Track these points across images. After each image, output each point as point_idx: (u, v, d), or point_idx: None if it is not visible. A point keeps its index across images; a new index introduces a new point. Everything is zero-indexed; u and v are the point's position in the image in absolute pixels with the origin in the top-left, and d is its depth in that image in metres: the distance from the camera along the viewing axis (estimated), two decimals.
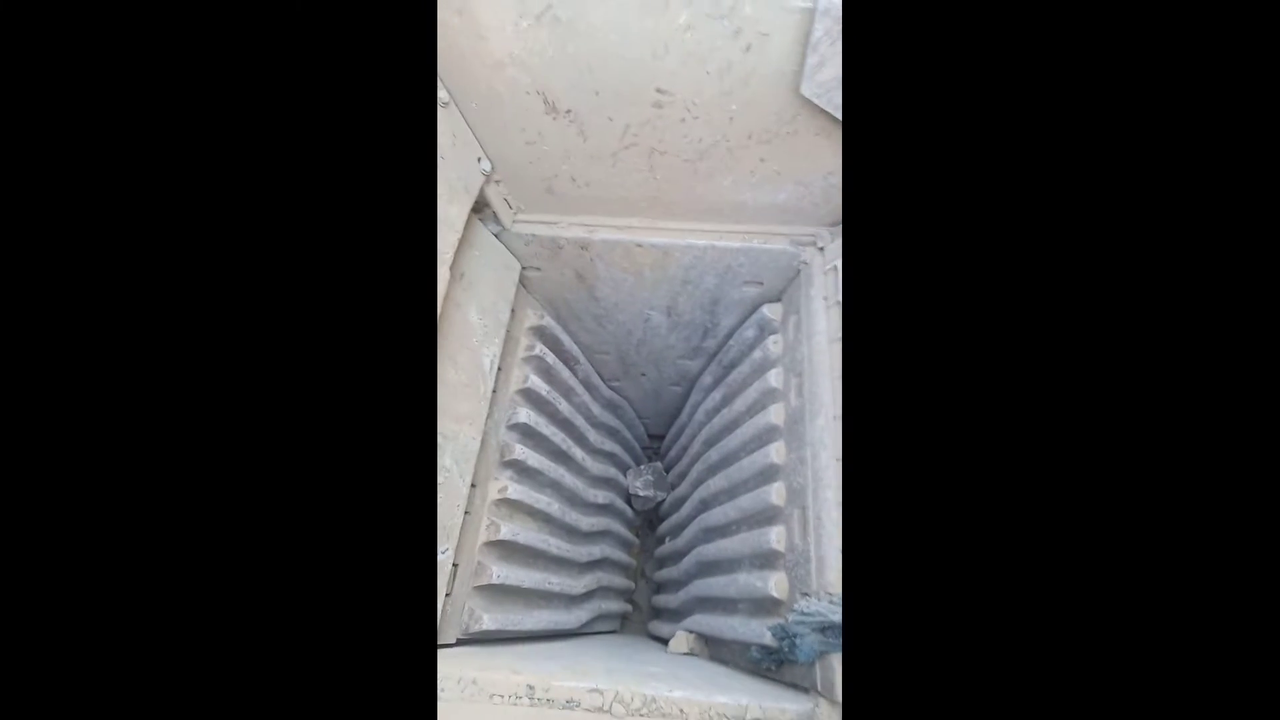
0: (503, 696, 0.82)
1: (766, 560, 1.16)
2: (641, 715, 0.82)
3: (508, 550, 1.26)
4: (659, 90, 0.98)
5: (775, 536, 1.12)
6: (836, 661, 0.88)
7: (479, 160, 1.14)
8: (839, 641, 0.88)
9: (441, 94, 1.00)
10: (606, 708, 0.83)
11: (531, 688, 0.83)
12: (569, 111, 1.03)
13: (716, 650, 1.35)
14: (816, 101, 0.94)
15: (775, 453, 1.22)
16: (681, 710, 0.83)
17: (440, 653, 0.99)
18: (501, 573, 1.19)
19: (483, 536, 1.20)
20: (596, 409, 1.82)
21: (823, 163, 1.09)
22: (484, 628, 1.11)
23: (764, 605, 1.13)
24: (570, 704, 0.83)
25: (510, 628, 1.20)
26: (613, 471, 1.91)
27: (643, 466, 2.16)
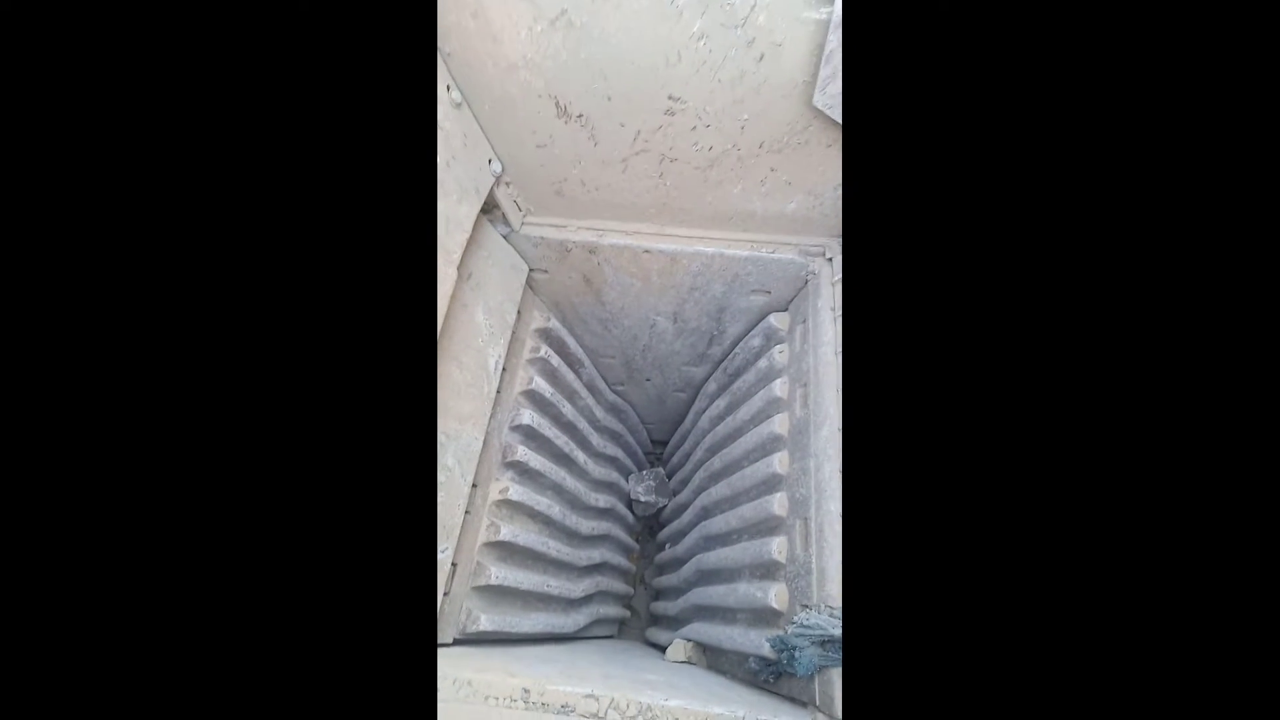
0: (498, 699, 0.82)
1: (767, 571, 1.15)
2: None
3: (507, 551, 1.25)
4: (671, 97, 0.98)
5: (776, 547, 1.11)
6: (836, 676, 0.87)
7: (490, 161, 1.15)
8: (839, 656, 0.88)
9: (454, 95, 1.01)
10: (602, 714, 0.82)
11: (527, 691, 0.83)
12: (580, 116, 1.04)
13: (714, 659, 1.34)
14: (828, 113, 0.94)
15: (779, 463, 1.21)
16: (677, 719, 0.82)
17: (437, 652, 0.99)
18: (500, 574, 1.19)
19: (483, 537, 1.19)
20: (600, 413, 1.82)
21: (833, 174, 1.09)
22: (481, 628, 1.11)
23: (763, 616, 1.12)
24: (565, 709, 0.82)
25: (507, 629, 1.20)
26: (615, 476, 1.91)
27: (645, 472, 2.16)
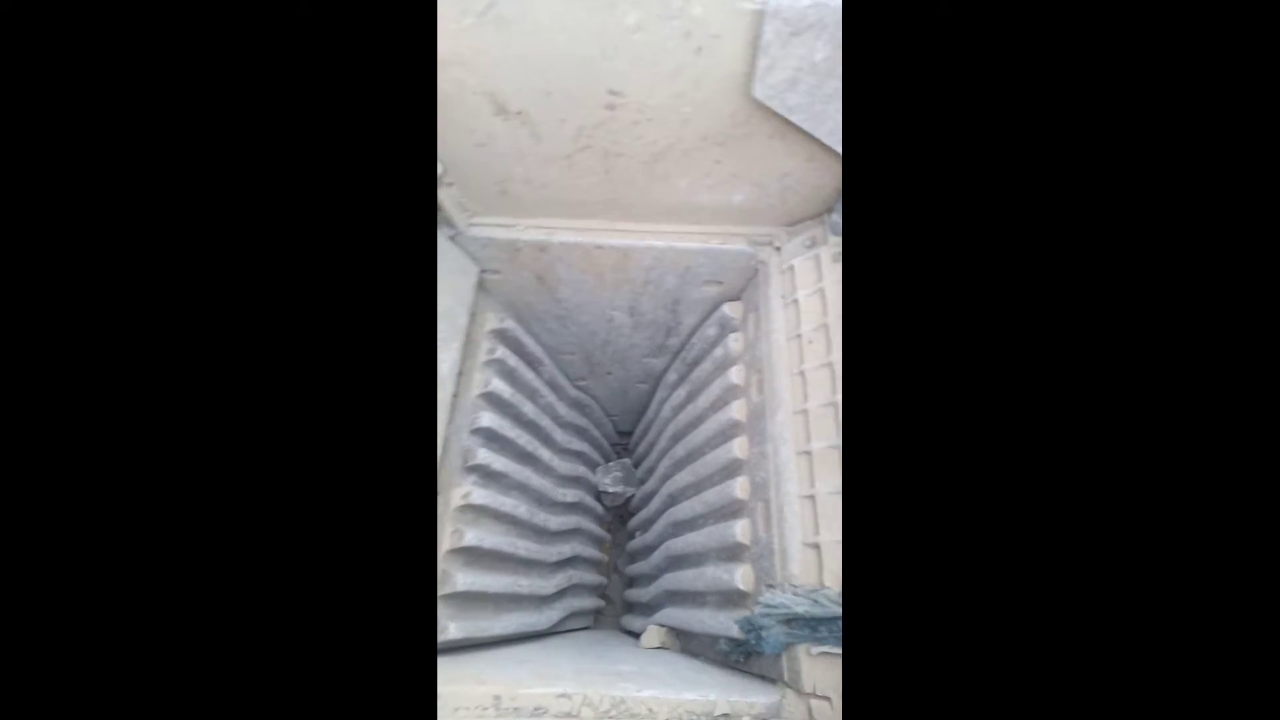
0: (468, 709, 0.81)
1: (732, 553, 1.18)
2: (610, 718, 0.83)
3: (473, 556, 1.24)
4: (611, 92, 0.97)
5: (740, 530, 1.14)
6: (802, 652, 0.90)
7: None
8: (805, 633, 0.91)
9: None
10: (575, 712, 0.83)
11: (498, 698, 0.83)
12: (520, 113, 1.01)
13: (687, 643, 1.37)
14: (768, 104, 0.94)
15: (738, 447, 1.24)
16: (650, 710, 0.84)
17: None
18: (467, 580, 1.17)
19: (447, 544, 1.18)
20: (563, 409, 1.81)
21: (777, 164, 1.10)
22: (450, 637, 1.10)
23: (731, 598, 1.15)
24: (538, 711, 0.83)
25: (478, 634, 1.19)
26: (581, 470, 1.91)
27: (611, 463, 2.17)
